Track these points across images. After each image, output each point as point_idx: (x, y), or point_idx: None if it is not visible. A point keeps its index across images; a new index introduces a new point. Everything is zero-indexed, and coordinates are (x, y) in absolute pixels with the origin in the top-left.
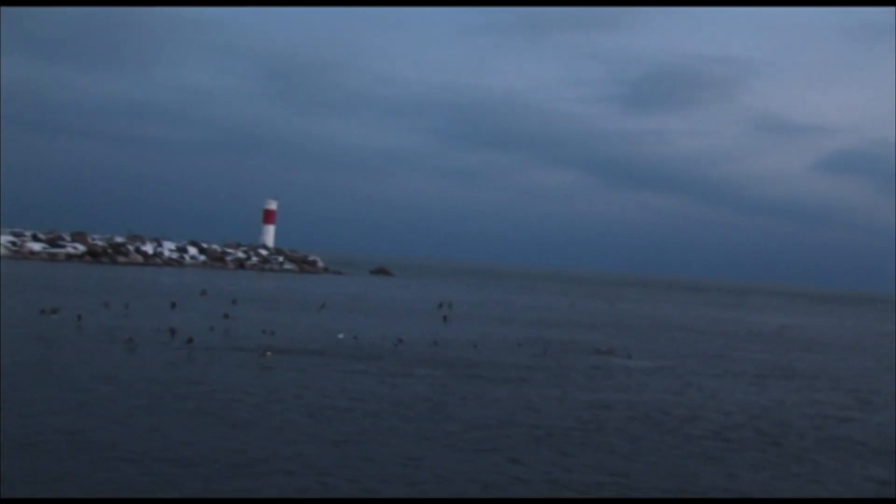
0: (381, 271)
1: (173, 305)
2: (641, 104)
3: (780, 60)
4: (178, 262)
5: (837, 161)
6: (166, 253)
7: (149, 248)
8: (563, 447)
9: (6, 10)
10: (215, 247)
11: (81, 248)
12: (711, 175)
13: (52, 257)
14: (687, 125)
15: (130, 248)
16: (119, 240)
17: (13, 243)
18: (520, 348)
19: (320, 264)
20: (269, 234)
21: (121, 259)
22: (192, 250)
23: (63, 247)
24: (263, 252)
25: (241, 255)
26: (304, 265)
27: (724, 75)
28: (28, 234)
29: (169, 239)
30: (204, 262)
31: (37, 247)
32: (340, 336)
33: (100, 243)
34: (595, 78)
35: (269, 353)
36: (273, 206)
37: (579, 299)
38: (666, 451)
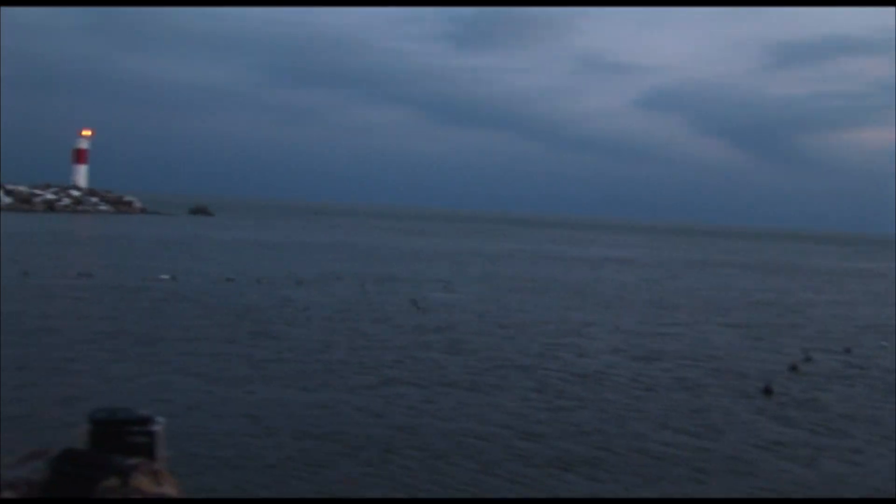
0: (200, 211)
1: None
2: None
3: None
4: None
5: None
6: None
7: None
8: None
9: None
10: (22, 188)
11: None
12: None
13: None
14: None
15: None
16: None
17: None
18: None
19: (137, 205)
20: (81, 175)
21: None
22: None
23: None
24: (75, 193)
25: (50, 196)
26: (120, 206)
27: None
28: None
29: None
30: (10, 205)
31: None
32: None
33: None
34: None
35: None
36: (84, 144)
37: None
38: None
